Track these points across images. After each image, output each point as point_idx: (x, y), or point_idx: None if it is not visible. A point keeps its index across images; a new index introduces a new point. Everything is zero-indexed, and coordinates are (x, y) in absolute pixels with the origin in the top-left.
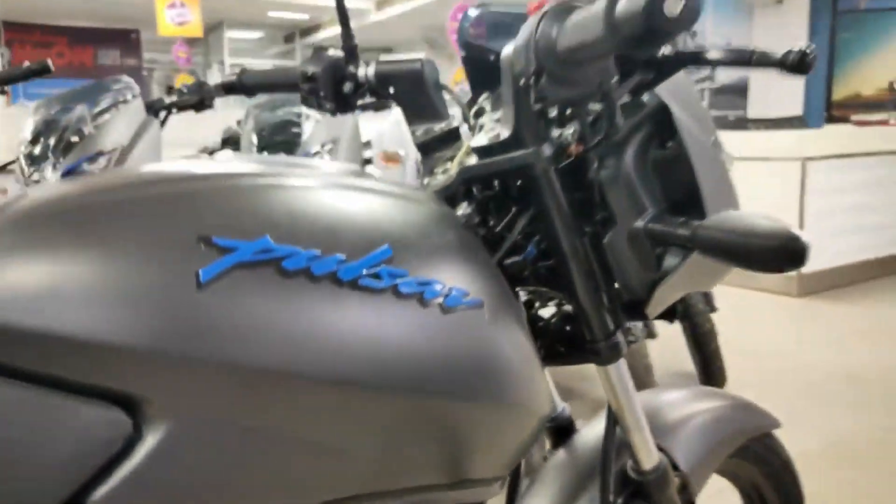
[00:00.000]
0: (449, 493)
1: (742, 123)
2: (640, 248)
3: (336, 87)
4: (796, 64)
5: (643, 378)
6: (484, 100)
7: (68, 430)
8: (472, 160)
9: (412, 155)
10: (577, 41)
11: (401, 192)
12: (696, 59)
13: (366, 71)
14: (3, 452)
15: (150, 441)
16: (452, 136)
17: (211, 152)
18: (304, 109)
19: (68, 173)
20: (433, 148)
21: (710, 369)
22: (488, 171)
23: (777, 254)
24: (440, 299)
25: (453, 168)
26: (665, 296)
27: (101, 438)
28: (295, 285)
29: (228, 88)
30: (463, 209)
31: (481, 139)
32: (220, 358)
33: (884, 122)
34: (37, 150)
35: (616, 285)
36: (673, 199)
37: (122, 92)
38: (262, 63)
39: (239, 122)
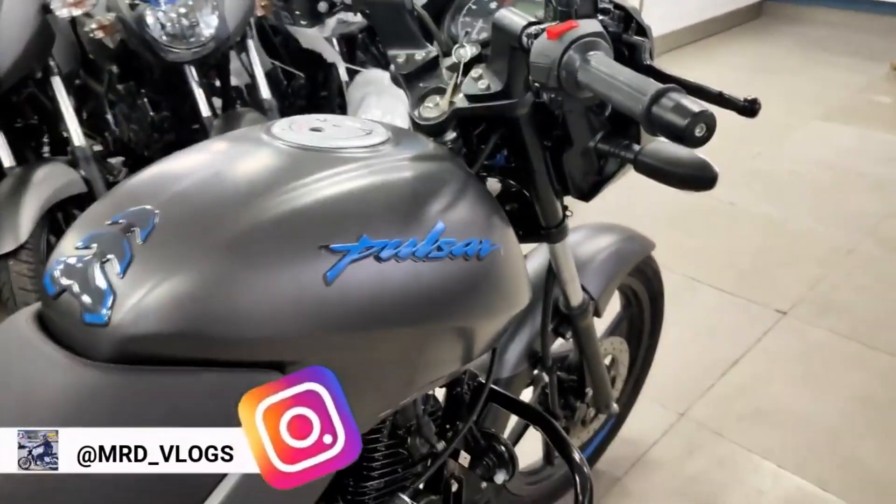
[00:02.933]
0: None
1: None
2: (589, 160)
3: (311, 5)
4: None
5: None
6: (464, 38)
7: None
8: (459, 99)
9: None
10: (602, 92)
11: (436, 167)
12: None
13: None
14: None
15: None
16: (432, 65)
17: None
18: None
19: None
20: (416, 77)
21: None
22: (479, 113)
23: (696, 179)
24: (477, 252)
25: (444, 104)
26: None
27: None
28: (388, 267)
29: None
30: (449, 134)
31: (472, 88)
32: (342, 327)
33: None
34: None
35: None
36: (616, 122)
37: None
38: None
39: None
